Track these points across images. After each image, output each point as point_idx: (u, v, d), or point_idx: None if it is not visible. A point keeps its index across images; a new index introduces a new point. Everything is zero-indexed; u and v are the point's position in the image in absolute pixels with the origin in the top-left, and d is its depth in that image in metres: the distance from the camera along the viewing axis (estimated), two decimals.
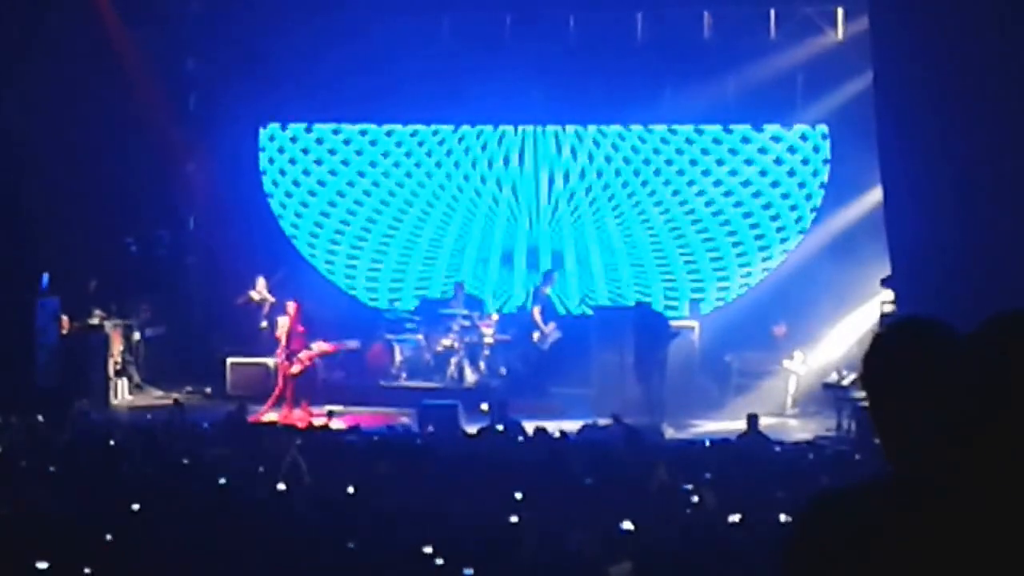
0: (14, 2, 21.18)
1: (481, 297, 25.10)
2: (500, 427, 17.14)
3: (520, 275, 25.75)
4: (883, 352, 3.52)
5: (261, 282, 23.73)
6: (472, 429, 17.85)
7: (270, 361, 22.26)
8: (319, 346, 21.78)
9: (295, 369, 21.26)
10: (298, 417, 20.36)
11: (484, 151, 25.92)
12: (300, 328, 21.36)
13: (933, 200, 16.46)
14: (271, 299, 23.31)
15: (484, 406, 19.45)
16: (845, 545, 3.23)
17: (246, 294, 23.67)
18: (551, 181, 25.74)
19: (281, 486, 12.11)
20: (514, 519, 10.60)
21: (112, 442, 15.01)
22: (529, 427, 16.96)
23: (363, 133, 26.29)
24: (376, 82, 24.62)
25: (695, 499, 11.69)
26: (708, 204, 25.19)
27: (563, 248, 25.64)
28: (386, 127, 26.16)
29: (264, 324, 23.17)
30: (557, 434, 16.26)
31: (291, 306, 21.42)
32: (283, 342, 21.33)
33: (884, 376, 3.48)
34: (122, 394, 23.21)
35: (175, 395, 22.73)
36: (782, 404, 21.72)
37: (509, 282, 25.83)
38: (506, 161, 25.86)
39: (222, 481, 12.23)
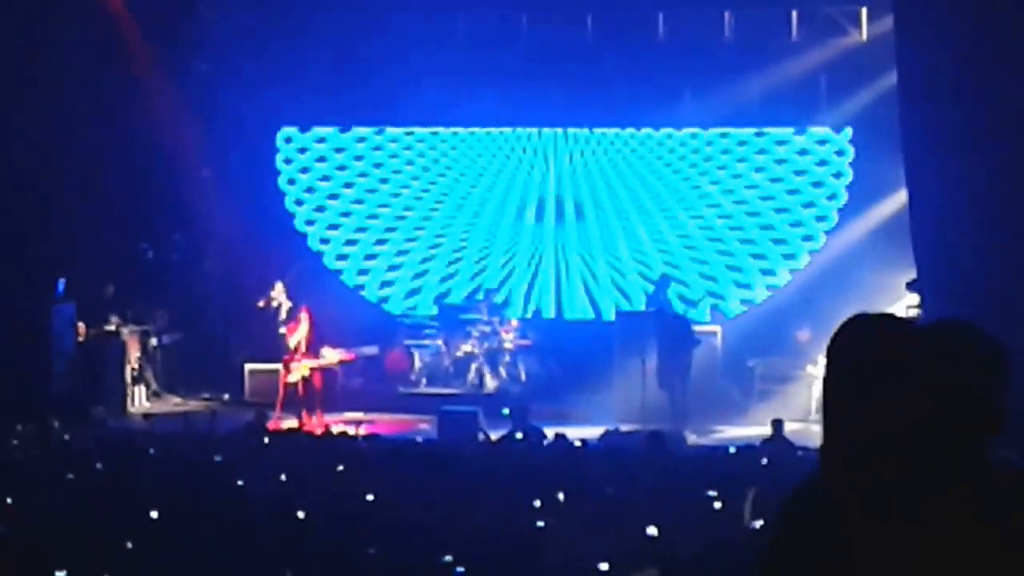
0: (28, 9, 21.09)
1: (502, 302, 24.90)
2: (520, 434, 16.98)
3: (544, 279, 25.59)
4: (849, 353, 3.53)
5: (279, 287, 23.49)
6: (492, 435, 17.69)
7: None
8: (331, 353, 21.63)
9: (292, 378, 21.13)
10: (316, 424, 20.25)
11: (502, 154, 25.77)
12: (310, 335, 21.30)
13: (958, 202, 16.34)
14: (288, 304, 23.08)
15: (505, 410, 19.26)
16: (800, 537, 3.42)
17: (267, 295, 23.43)
18: (569, 184, 25.57)
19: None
20: (534, 526, 10.46)
21: (131, 449, 14.93)
22: (550, 433, 16.82)
23: (380, 135, 26.16)
24: (393, 84, 24.57)
25: (718, 505, 11.53)
26: (729, 207, 25.01)
27: (584, 252, 25.47)
28: (403, 129, 26.02)
29: (283, 330, 22.98)
30: (578, 441, 16.10)
31: (305, 314, 21.34)
32: (302, 349, 21.22)
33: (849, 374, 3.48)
34: (139, 401, 23.09)
35: (202, 402, 22.81)
36: (806, 409, 21.51)
37: (532, 286, 25.67)
38: (525, 164, 25.71)
39: (240, 483, 12.13)
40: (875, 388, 3.37)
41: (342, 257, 26.23)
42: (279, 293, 23.35)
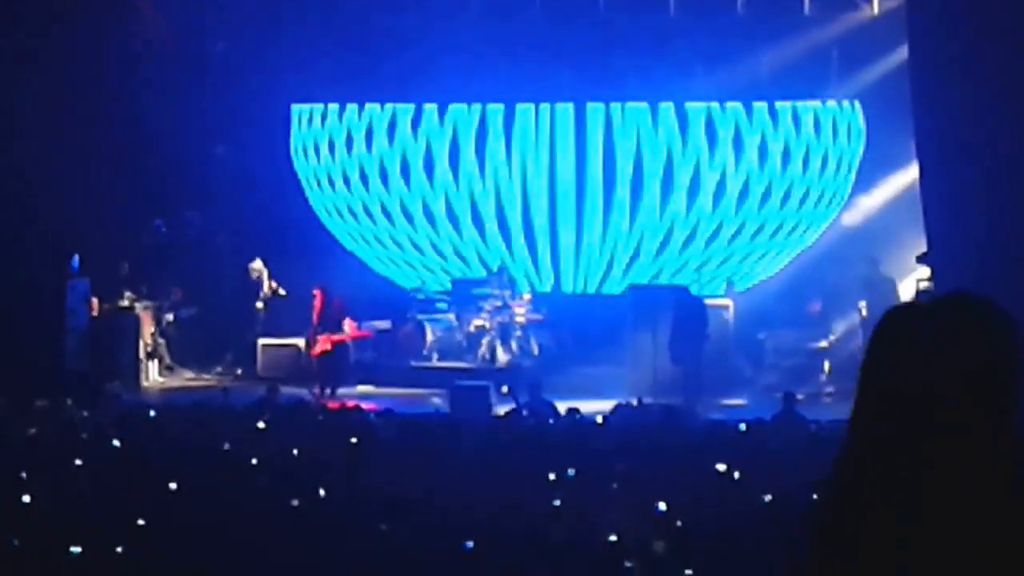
0: None
1: (515, 276, 24.91)
2: (528, 410, 17.01)
3: (558, 252, 25.58)
4: (897, 328, 3.53)
5: (257, 262, 23.96)
6: (503, 410, 17.73)
7: (301, 342, 22.28)
8: (347, 328, 21.82)
9: (316, 349, 21.44)
10: (329, 398, 20.42)
11: (515, 129, 25.70)
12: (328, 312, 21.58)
13: (969, 175, 16.34)
14: (267, 280, 23.58)
15: (504, 388, 19.24)
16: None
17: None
18: (582, 159, 25.53)
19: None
20: (547, 501, 10.51)
21: (146, 425, 15.02)
22: (562, 407, 16.86)
23: (393, 112, 26.10)
24: (406, 61, 24.56)
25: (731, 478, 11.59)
26: (740, 181, 24.96)
27: (597, 225, 25.45)
28: (416, 106, 25.95)
29: (260, 305, 23.41)
30: (599, 418, 16.11)
31: (317, 292, 21.71)
32: (314, 324, 21.52)
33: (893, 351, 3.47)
34: (153, 376, 23.18)
35: (215, 377, 22.98)
36: (816, 382, 21.54)
37: (546, 260, 25.69)
38: (538, 138, 25.67)
39: (253, 460, 12.19)
40: (893, 360, 3.42)
41: (356, 232, 26.24)
42: (257, 267, 23.75)
